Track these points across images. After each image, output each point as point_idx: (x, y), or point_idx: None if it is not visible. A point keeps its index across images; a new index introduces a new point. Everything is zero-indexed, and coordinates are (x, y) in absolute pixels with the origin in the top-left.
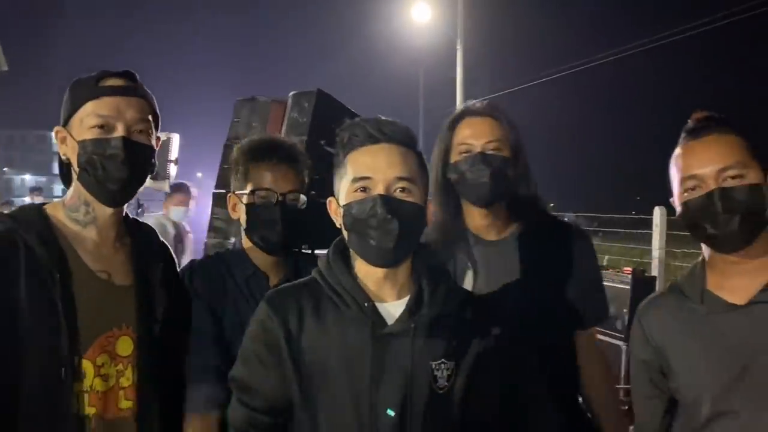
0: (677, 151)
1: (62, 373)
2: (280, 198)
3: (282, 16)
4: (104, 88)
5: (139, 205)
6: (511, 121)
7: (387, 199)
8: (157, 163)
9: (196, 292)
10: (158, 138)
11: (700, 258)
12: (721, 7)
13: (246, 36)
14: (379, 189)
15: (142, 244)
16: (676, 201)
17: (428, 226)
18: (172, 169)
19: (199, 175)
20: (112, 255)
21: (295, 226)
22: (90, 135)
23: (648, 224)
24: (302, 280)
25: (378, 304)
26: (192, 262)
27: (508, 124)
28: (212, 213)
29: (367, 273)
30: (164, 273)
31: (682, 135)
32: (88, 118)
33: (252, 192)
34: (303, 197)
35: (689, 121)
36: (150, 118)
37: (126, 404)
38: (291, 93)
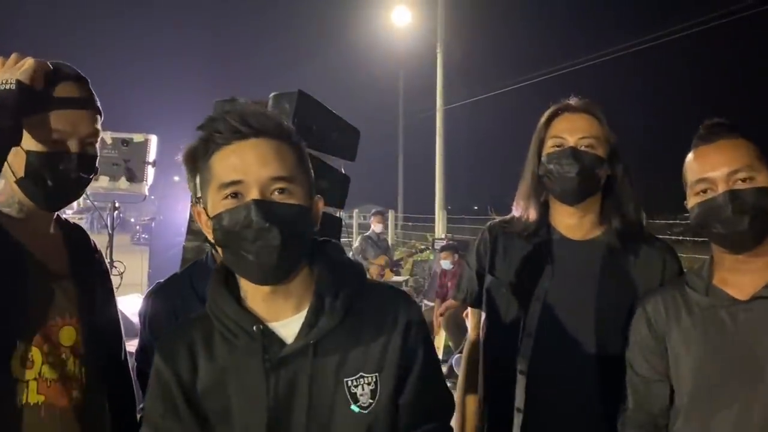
0: (689, 156)
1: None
2: None
3: (262, 17)
4: (59, 100)
5: (115, 208)
6: (611, 124)
7: (263, 204)
8: (99, 167)
9: (152, 331)
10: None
11: (710, 256)
12: (710, 9)
13: (226, 36)
14: (252, 194)
15: (75, 238)
16: (689, 204)
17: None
18: (150, 172)
19: (176, 179)
20: (45, 246)
21: None
22: (40, 148)
23: None
24: (197, 314)
25: (272, 324)
26: (157, 284)
27: (608, 125)
28: (190, 216)
29: (255, 291)
30: (97, 267)
31: (694, 141)
32: (38, 130)
33: (200, 199)
34: None
35: (700, 128)
36: (98, 126)
37: (73, 394)
38: (271, 94)
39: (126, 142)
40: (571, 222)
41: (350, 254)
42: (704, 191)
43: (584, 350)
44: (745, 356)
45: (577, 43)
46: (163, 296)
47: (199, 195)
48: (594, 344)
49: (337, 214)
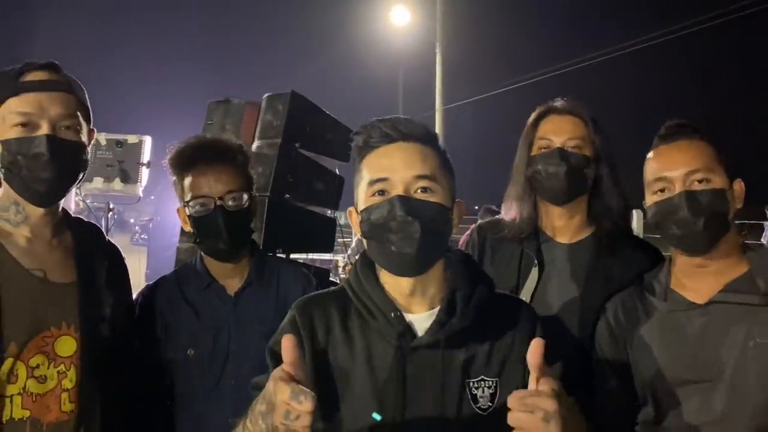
0: (649, 154)
1: None
2: (218, 203)
3: (258, 17)
4: (26, 84)
5: (110, 210)
6: (600, 126)
7: (406, 200)
8: (89, 159)
9: (139, 335)
10: (92, 131)
11: (667, 259)
12: (705, 9)
13: (220, 36)
14: (397, 190)
15: (86, 242)
16: (647, 203)
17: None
18: (144, 173)
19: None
20: (48, 253)
21: (241, 227)
22: (13, 134)
23: None
24: (332, 289)
25: (407, 315)
26: (146, 286)
27: (594, 126)
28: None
29: (394, 284)
30: (110, 272)
31: (654, 140)
32: (10, 116)
33: (189, 202)
34: (244, 195)
35: (662, 127)
36: (78, 112)
37: (69, 407)
38: (265, 95)
39: (120, 144)
40: (559, 224)
41: (347, 255)
42: (662, 190)
43: (569, 353)
44: (704, 360)
45: (579, 41)
46: (151, 299)
47: (187, 198)
48: (579, 346)
49: (332, 215)
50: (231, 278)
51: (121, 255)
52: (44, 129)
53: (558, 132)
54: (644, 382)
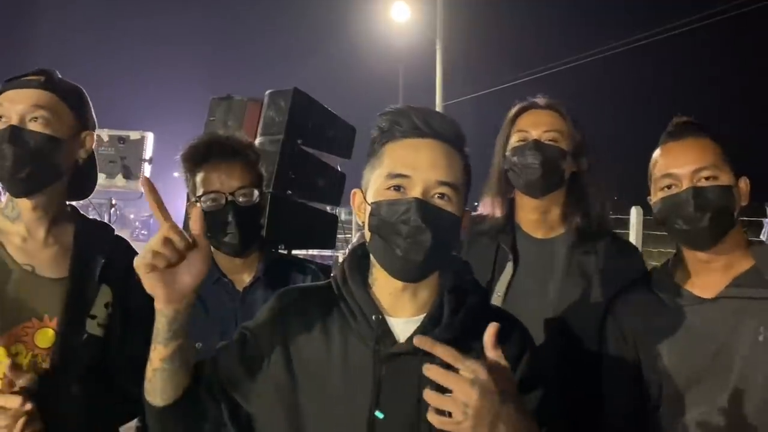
0: (656, 151)
1: None
2: (229, 198)
3: (260, 14)
4: (8, 83)
5: (112, 205)
6: (578, 122)
7: (423, 205)
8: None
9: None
10: (89, 133)
11: (673, 255)
12: (707, 6)
13: (222, 33)
14: (416, 191)
15: (85, 240)
16: (653, 199)
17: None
18: (147, 168)
19: (176, 175)
20: (41, 249)
21: (251, 222)
22: None
23: (625, 224)
24: (319, 283)
25: (390, 319)
26: None
27: (573, 122)
28: (186, 213)
29: (385, 283)
30: (108, 269)
31: (662, 137)
32: None
33: (201, 197)
34: (255, 191)
35: (670, 125)
36: (56, 108)
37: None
38: (267, 92)
39: (122, 140)
40: (534, 217)
41: (347, 251)
42: (669, 187)
43: (542, 346)
44: (713, 353)
45: (581, 37)
46: None
47: (199, 193)
48: (552, 341)
49: (334, 211)
50: (240, 274)
51: (128, 252)
52: (12, 121)
53: (535, 125)
54: (653, 377)
